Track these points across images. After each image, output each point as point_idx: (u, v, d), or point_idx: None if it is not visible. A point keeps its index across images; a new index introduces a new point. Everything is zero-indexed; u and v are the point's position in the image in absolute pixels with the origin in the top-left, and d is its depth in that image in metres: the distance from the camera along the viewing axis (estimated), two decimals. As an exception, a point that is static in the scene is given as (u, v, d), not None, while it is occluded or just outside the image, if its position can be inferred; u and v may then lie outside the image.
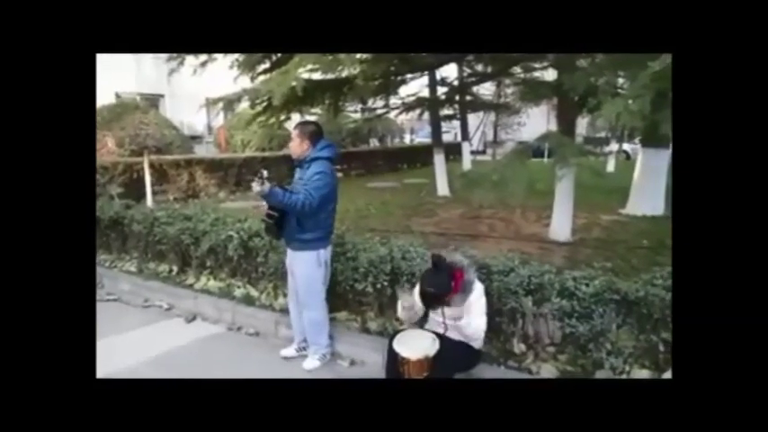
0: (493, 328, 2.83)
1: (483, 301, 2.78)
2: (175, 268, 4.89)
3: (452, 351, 2.70)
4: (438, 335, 2.76)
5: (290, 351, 3.55)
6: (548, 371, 2.95)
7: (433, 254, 2.87)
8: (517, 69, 7.71)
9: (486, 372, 2.98)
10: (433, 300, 2.73)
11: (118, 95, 13.21)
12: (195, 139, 14.60)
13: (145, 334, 4.03)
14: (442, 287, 2.70)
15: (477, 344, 2.83)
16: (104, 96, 12.36)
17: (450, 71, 11.97)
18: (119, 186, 8.96)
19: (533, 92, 6.76)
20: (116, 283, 5.02)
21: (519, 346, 3.12)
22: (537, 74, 8.19)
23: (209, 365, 3.44)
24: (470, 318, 2.73)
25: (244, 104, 7.97)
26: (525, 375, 2.96)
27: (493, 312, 2.87)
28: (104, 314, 4.44)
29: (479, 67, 10.06)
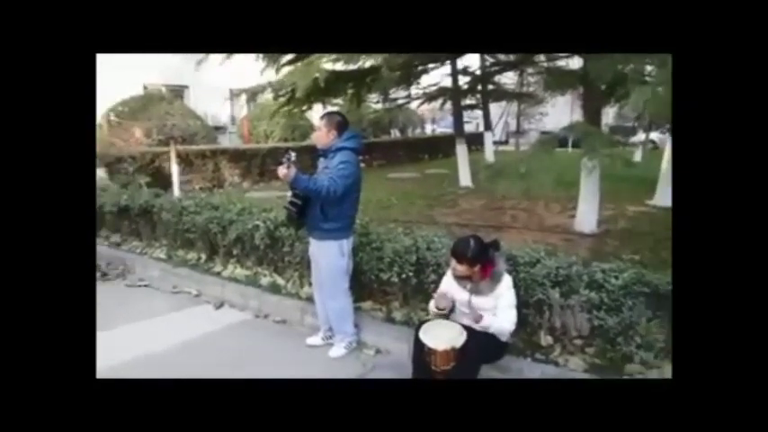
0: (519, 320, 2.83)
1: (512, 293, 2.78)
2: (203, 256, 4.99)
3: (479, 342, 2.71)
4: (465, 326, 2.77)
5: (315, 339, 3.60)
6: (575, 364, 2.93)
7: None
8: (541, 58, 7.60)
9: (512, 363, 2.98)
10: (462, 258, 2.74)
11: (145, 87, 13.41)
12: (219, 129, 14.75)
13: (174, 319, 4.13)
14: (475, 251, 2.72)
15: (505, 336, 2.83)
16: (132, 88, 12.60)
17: (472, 60, 11.85)
18: (146, 176, 9.14)
19: (558, 81, 6.66)
20: (146, 269, 5.15)
21: (546, 339, 3.11)
22: (561, 62, 8.06)
23: (237, 352, 3.52)
24: (498, 310, 2.74)
25: (267, 95, 8.03)
26: (552, 367, 2.95)
27: (519, 304, 2.86)
28: (135, 299, 4.59)
29: (502, 56, 9.95)
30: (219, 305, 4.36)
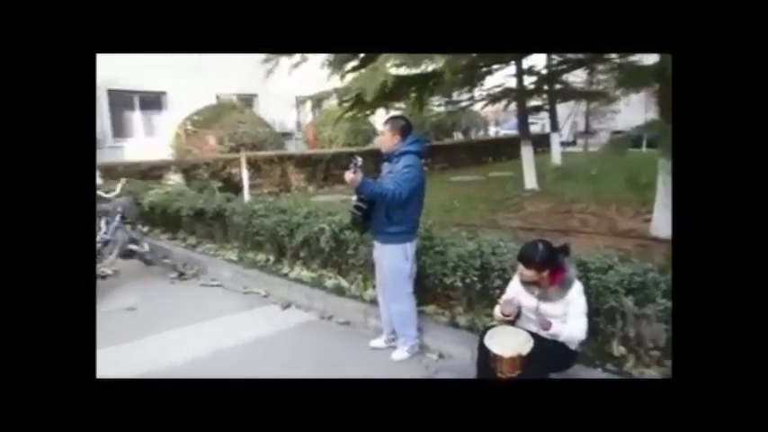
0: (590, 328, 2.72)
1: (582, 300, 2.68)
2: (272, 258, 5.18)
3: (547, 350, 2.63)
4: (532, 333, 2.70)
5: (379, 342, 3.63)
6: (651, 377, 2.78)
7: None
8: (612, 54, 7.27)
9: (582, 373, 2.87)
10: (530, 263, 2.67)
11: (217, 97, 14.11)
12: (286, 135, 15.25)
13: (244, 318, 4.31)
14: (543, 255, 2.65)
15: (574, 344, 2.73)
16: (207, 98, 13.32)
17: (537, 60, 11.52)
18: (219, 181, 9.62)
19: (632, 78, 6.33)
20: (219, 270, 5.42)
21: (618, 349, 2.96)
22: (635, 58, 7.66)
23: (301, 352, 3.61)
24: (569, 317, 2.65)
25: (331, 102, 8.23)
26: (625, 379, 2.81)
27: (590, 312, 2.75)
28: (209, 298, 4.83)
29: (570, 54, 9.61)
30: (286, 306, 4.50)
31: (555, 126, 14.20)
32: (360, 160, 3.00)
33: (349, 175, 2.99)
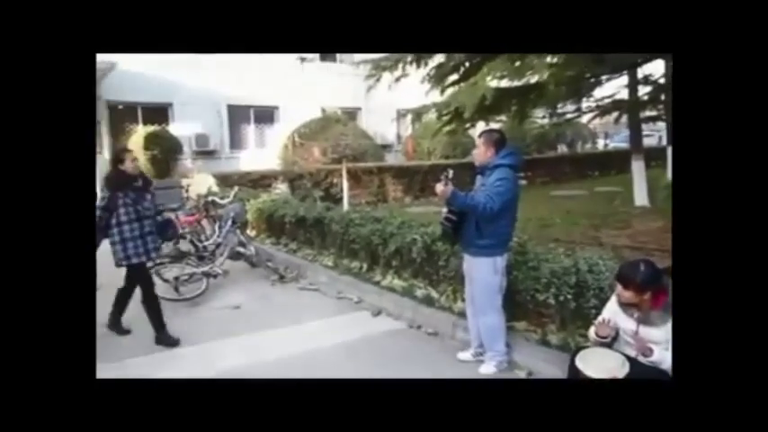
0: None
1: (686, 326, 2.47)
2: (365, 266, 5.34)
3: (645, 376, 2.45)
4: (630, 358, 2.54)
5: (466, 355, 3.61)
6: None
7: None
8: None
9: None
10: (629, 283, 2.51)
11: (323, 110, 14.88)
12: (386, 147, 15.65)
13: (337, 322, 4.49)
14: (645, 276, 2.48)
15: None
16: (314, 111, 14.11)
17: (655, 68, 10.74)
18: (321, 191, 10.12)
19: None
20: (316, 274, 5.70)
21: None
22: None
23: (390, 359, 3.69)
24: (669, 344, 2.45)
25: (431, 115, 8.32)
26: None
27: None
28: (305, 301, 5.10)
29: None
30: (377, 313, 4.62)
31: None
32: (451, 173, 3.03)
33: (440, 187, 3.03)
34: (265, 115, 14.98)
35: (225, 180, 9.46)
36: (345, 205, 8.40)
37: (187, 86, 12.81)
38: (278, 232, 7.09)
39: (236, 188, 7.08)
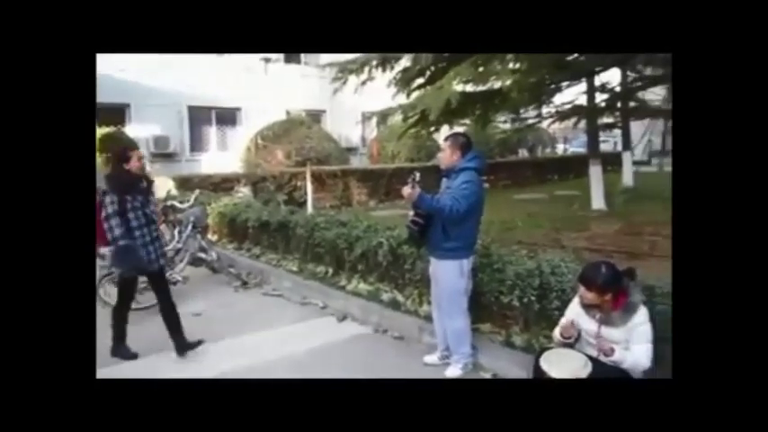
0: (656, 356, 2.57)
1: (648, 326, 2.54)
2: (330, 270, 5.28)
3: (606, 376, 2.51)
4: (592, 358, 2.59)
5: (432, 358, 3.61)
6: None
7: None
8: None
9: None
10: (591, 285, 2.57)
11: (288, 112, 14.71)
12: (351, 150, 15.61)
13: (302, 328, 4.42)
14: (606, 278, 2.55)
15: (637, 373, 2.58)
16: (278, 114, 13.93)
17: (611, 76, 11.12)
18: (284, 194, 9.98)
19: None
20: (280, 280, 5.60)
21: (687, 380, 2.77)
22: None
23: (355, 364, 3.65)
24: (632, 344, 2.52)
25: (396, 117, 8.35)
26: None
27: (655, 339, 2.60)
28: (269, 307, 5.00)
29: (648, 71, 9.21)
30: (342, 318, 4.57)
31: (627, 145, 13.57)
32: (418, 175, 3.03)
33: (406, 190, 3.02)
34: (227, 117, 14.68)
35: (185, 183, 9.20)
36: (309, 209, 8.31)
37: (146, 87, 12.42)
38: (240, 237, 6.94)
39: (196, 192, 6.89)
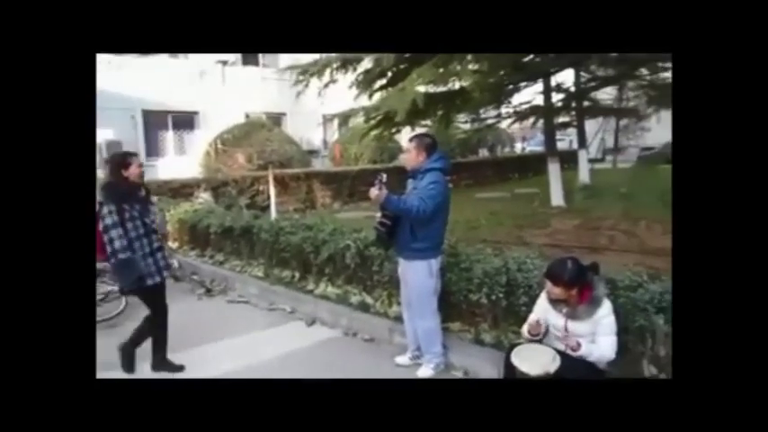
0: (619, 347, 2.66)
1: (612, 318, 2.63)
2: (297, 274, 5.22)
3: (574, 369, 2.58)
4: (560, 351, 2.66)
5: (403, 359, 3.62)
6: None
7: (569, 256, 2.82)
8: (643, 71, 7.21)
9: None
10: (558, 281, 2.63)
11: (247, 115, 14.46)
12: (313, 153, 15.49)
13: (270, 335, 4.35)
14: (572, 273, 2.62)
15: (602, 364, 2.67)
16: (237, 117, 13.68)
17: (566, 77, 11.47)
18: (247, 198, 9.80)
19: (664, 95, 6.25)
20: (246, 286, 5.49)
21: (649, 369, 2.88)
22: (666, 74, 7.57)
23: (327, 368, 3.61)
24: (598, 336, 2.60)
25: (358, 119, 8.34)
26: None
27: (619, 330, 2.69)
28: (235, 314, 4.89)
29: (600, 72, 9.54)
30: (311, 322, 4.53)
31: (583, 143, 14.03)
32: (384, 176, 3.03)
33: (374, 192, 3.02)
34: (184, 121, 14.32)
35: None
36: (273, 213, 8.18)
37: (97, 89, 11.95)
38: (202, 243, 6.77)
39: (154, 198, 6.67)
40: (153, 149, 13.71)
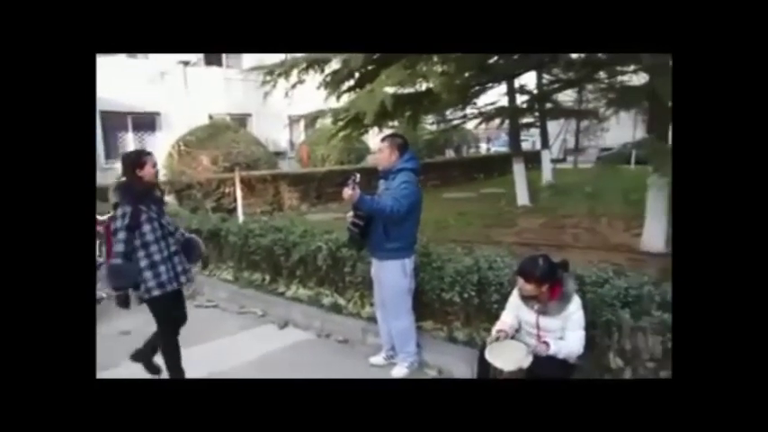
0: (587, 342, 2.75)
1: (581, 314, 2.71)
2: (267, 277, 5.16)
3: (546, 364, 2.65)
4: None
5: (378, 359, 3.63)
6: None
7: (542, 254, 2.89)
8: (602, 74, 7.44)
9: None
10: (530, 278, 2.69)
11: (211, 117, 14.18)
12: (279, 155, 15.30)
13: (242, 339, 4.28)
14: (544, 270, 2.68)
15: (572, 358, 2.75)
16: (199, 118, 13.38)
17: (529, 79, 11.74)
18: (213, 201, 9.61)
19: (622, 98, 6.47)
20: (214, 290, 5.39)
21: (615, 361, 2.98)
22: (625, 77, 7.83)
23: (301, 370, 3.59)
24: (568, 331, 2.68)
25: (325, 121, 8.29)
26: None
27: (587, 325, 2.78)
28: (205, 319, 4.79)
29: (561, 74, 9.79)
30: (284, 325, 4.49)
31: (545, 143, 14.38)
32: (358, 177, 3.03)
33: (347, 192, 3.01)
34: (145, 122, 13.94)
35: (101, 194, 8.59)
36: (240, 216, 8.04)
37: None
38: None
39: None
40: (112, 151, 13.27)
